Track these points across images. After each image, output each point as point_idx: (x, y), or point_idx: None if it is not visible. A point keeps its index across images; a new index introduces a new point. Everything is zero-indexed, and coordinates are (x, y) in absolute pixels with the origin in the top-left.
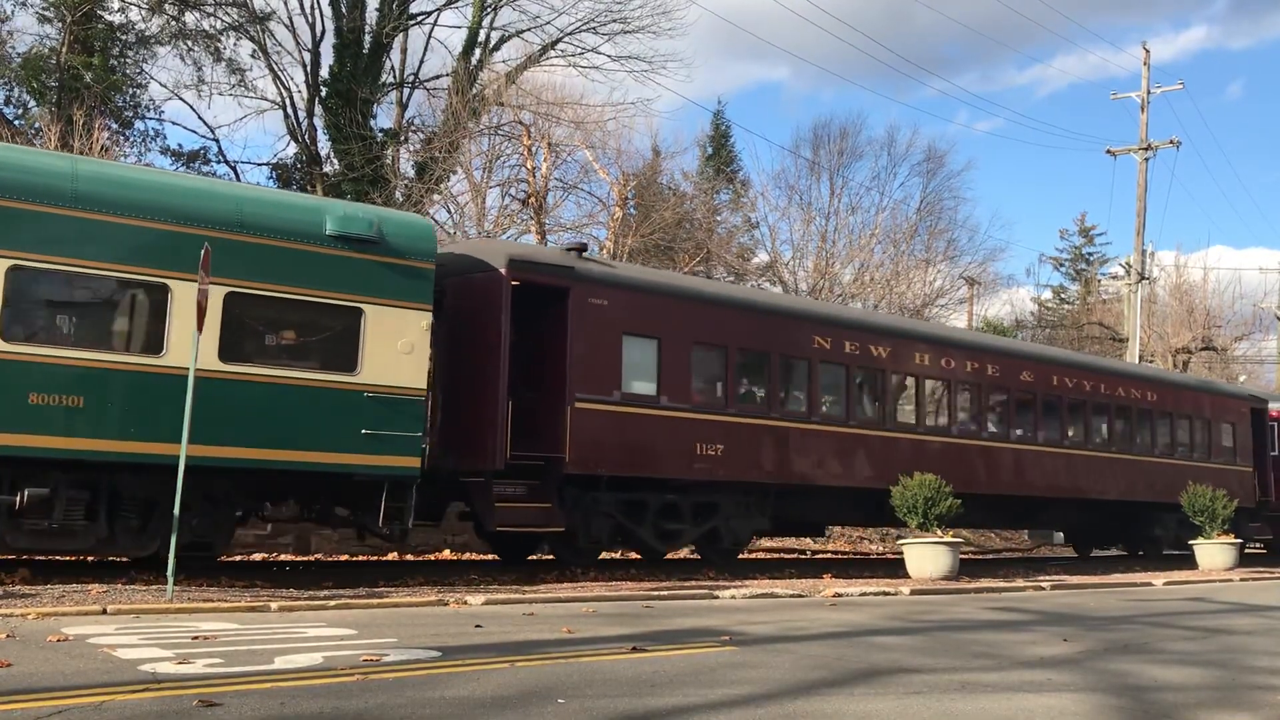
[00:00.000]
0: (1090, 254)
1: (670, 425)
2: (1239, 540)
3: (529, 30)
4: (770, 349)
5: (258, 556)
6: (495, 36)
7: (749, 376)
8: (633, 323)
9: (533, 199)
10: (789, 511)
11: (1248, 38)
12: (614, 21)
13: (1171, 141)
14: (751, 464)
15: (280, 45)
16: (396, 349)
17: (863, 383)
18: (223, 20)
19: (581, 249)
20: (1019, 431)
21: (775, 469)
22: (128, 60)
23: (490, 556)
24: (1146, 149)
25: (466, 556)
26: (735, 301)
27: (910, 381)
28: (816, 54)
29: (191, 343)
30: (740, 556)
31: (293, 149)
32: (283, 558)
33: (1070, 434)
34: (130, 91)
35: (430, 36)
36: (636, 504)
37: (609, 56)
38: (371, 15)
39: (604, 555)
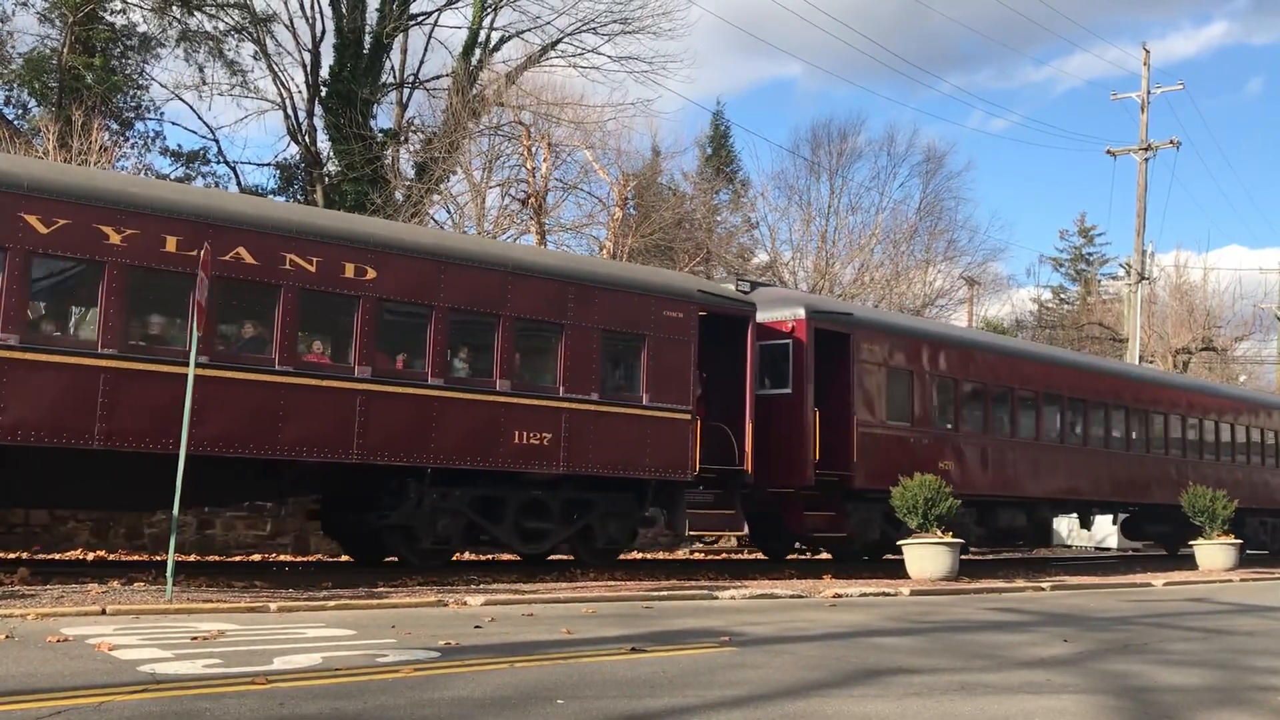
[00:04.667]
0: (1090, 254)
1: None
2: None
3: (529, 30)
4: None
5: (256, 556)
6: (495, 37)
7: None
8: None
9: (533, 199)
10: None
11: (1269, 33)
12: (614, 22)
13: (1171, 142)
14: None
15: (281, 46)
16: None
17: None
18: (225, 22)
19: None
20: None
21: None
22: (129, 62)
23: (488, 557)
24: (1146, 149)
25: (467, 557)
26: None
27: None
28: (828, 52)
29: None
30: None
31: (293, 149)
32: (282, 558)
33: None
34: (131, 93)
35: (430, 37)
36: None
37: (609, 57)
38: (371, 15)
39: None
